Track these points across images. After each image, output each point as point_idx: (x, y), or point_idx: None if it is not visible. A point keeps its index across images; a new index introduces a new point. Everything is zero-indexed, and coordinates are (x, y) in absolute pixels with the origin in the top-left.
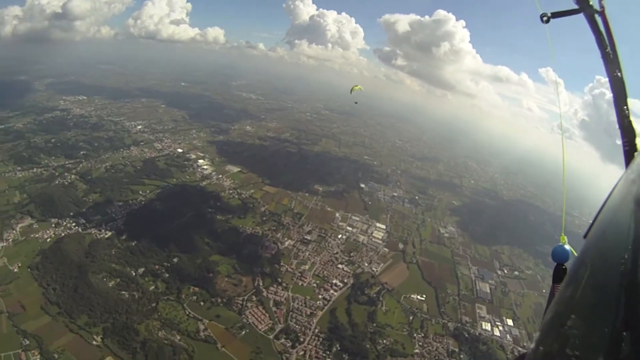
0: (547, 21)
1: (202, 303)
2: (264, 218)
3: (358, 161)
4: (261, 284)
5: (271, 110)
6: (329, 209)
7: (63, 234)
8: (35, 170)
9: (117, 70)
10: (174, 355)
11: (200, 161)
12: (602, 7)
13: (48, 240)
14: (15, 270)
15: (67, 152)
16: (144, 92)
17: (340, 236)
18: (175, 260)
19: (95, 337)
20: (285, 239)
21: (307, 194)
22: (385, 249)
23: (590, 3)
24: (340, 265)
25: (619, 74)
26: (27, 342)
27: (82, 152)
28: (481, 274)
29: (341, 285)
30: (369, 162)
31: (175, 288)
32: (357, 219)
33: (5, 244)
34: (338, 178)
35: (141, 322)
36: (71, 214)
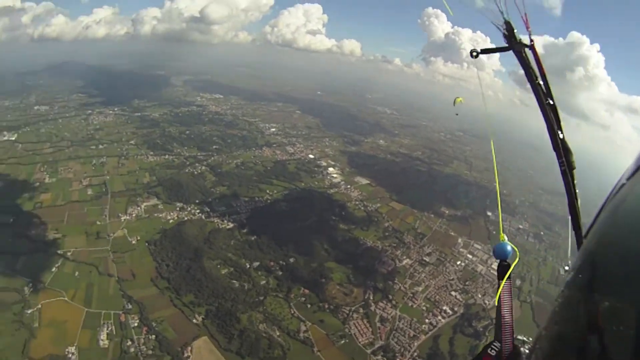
0: (476, 56)
1: (309, 305)
2: (386, 233)
3: (487, 187)
4: (371, 298)
5: (405, 127)
6: (452, 233)
7: (186, 218)
8: (167, 157)
9: (254, 73)
10: (268, 348)
11: (331, 169)
12: (532, 41)
13: (170, 221)
14: (134, 242)
15: (200, 144)
16: (280, 97)
17: (459, 262)
18: (291, 260)
19: (197, 316)
20: (404, 257)
21: (432, 215)
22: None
23: (519, 40)
24: (453, 293)
25: (551, 102)
26: (130, 306)
27: (214, 147)
28: None
29: (450, 312)
30: (500, 190)
31: (286, 287)
32: (479, 247)
33: (128, 217)
34: (465, 203)
35: (245, 311)
36: (197, 201)
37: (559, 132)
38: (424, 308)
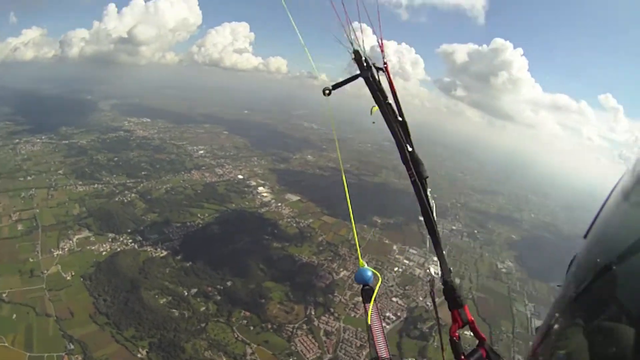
0: (329, 94)
1: (251, 327)
2: (321, 248)
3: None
4: (313, 313)
5: (332, 141)
6: (386, 241)
7: (119, 249)
8: (96, 186)
9: (181, 95)
10: None
11: (260, 188)
12: (385, 63)
13: (104, 253)
14: (68, 278)
15: (129, 171)
16: (207, 118)
17: (396, 269)
18: (228, 283)
19: (140, 350)
20: (341, 269)
21: (365, 226)
22: (441, 284)
23: (372, 65)
24: (394, 299)
25: (400, 119)
26: (72, 346)
27: (143, 173)
28: (537, 311)
29: (394, 318)
30: (428, 194)
31: (226, 311)
32: (415, 252)
33: (61, 252)
34: (397, 210)
35: (188, 340)
36: (129, 230)
37: (407, 146)
38: None
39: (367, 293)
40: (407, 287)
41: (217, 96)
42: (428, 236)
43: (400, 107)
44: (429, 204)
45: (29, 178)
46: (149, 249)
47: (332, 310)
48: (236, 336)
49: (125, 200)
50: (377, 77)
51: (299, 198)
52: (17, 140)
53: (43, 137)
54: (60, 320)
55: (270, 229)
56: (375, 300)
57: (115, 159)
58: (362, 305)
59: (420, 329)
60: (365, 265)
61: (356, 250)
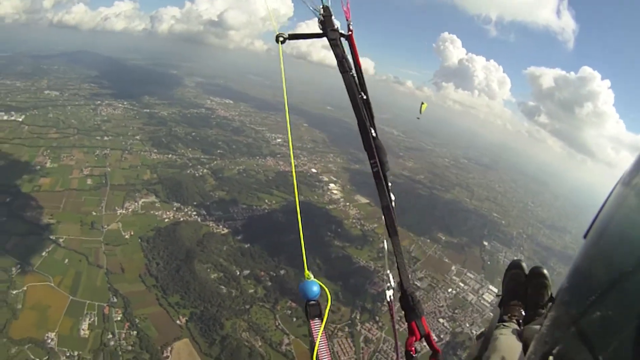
0: (283, 42)
1: (294, 319)
2: (380, 254)
3: (487, 217)
4: (358, 318)
5: (410, 149)
6: (446, 260)
7: (182, 219)
8: (170, 156)
9: (266, 82)
10: (248, 357)
11: (332, 185)
12: (350, 31)
13: (166, 220)
14: (127, 236)
15: (205, 147)
16: (289, 108)
17: (450, 290)
18: (282, 272)
19: (181, 317)
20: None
21: (428, 240)
22: (491, 314)
23: (335, 28)
24: (441, 320)
25: (364, 96)
26: (115, 300)
27: (219, 151)
28: None
29: (436, 339)
30: (497, 220)
31: (274, 298)
32: (472, 276)
33: (124, 212)
34: (463, 230)
35: (230, 318)
36: (194, 203)
37: (372, 130)
38: None
39: (313, 310)
40: (456, 311)
41: (302, 88)
42: (386, 239)
43: (364, 84)
44: (390, 199)
45: (105, 138)
46: (211, 224)
47: (377, 318)
48: (277, 324)
49: (197, 175)
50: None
51: (367, 201)
52: (98, 102)
53: (125, 103)
54: (109, 274)
55: (334, 226)
56: (323, 320)
57: (193, 133)
58: (307, 320)
59: (459, 357)
60: (312, 277)
61: (414, 262)
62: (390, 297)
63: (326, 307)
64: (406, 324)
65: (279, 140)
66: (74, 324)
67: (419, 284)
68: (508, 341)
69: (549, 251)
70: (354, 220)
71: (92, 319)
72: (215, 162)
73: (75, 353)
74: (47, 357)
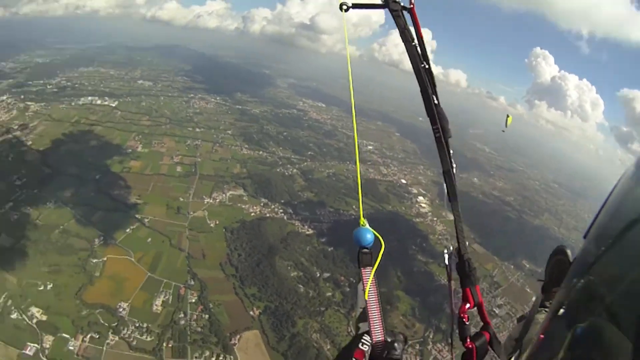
0: (347, 10)
1: None
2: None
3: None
4: (431, 337)
5: (500, 168)
6: (528, 289)
7: (268, 215)
8: (260, 153)
9: (358, 88)
10: (316, 358)
11: (420, 198)
12: (412, 4)
13: (252, 214)
14: (212, 225)
15: (296, 147)
16: (380, 115)
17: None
18: None
19: (255, 309)
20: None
21: (512, 266)
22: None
23: (397, 0)
24: None
25: (426, 65)
26: (193, 283)
27: (309, 152)
28: None
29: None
30: None
31: (350, 304)
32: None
33: (211, 201)
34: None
35: (303, 317)
36: (282, 201)
37: (434, 97)
38: None
39: (365, 258)
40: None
41: (394, 96)
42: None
43: (427, 55)
44: (451, 165)
45: (197, 130)
46: (296, 224)
47: (450, 340)
48: (349, 330)
49: (286, 174)
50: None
51: None
52: (191, 95)
53: (217, 98)
54: (190, 258)
55: (420, 240)
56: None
57: (285, 133)
58: (358, 268)
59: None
60: (367, 225)
61: (496, 288)
62: (448, 261)
63: (378, 256)
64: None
65: (370, 147)
66: (147, 299)
67: (497, 311)
68: None
69: None
70: (440, 237)
71: (166, 297)
72: (305, 163)
73: (145, 325)
74: (116, 323)
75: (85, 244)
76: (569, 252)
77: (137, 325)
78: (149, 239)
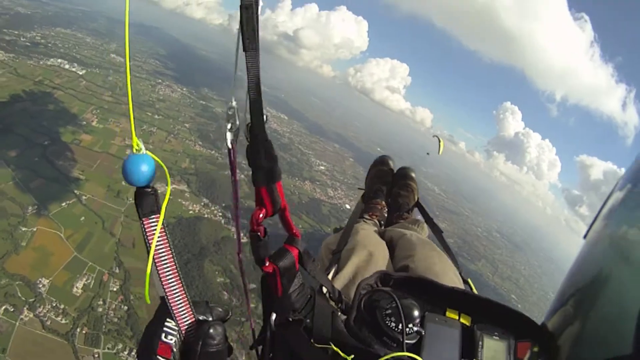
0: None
1: None
2: None
3: (504, 297)
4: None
5: (446, 210)
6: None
7: (206, 216)
8: (213, 152)
9: (324, 108)
10: None
11: None
12: None
13: (190, 212)
14: None
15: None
16: (339, 139)
17: None
18: None
19: None
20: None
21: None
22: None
23: None
24: None
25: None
26: (117, 271)
27: None
28: None
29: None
30: (514, 303)
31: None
32: None
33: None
34: None
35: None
36: (223, 204)
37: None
38: None
39: (147, 202)
40: None
41: (357, 123)
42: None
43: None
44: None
45: (155, 116)
46: (232, 230)
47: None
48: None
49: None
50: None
51: None
52: (159, 81)
53: (184, 89)
54: (120, 245)
55: None
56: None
57: (241, 138)
58: (139, 219)
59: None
60: (143, 150)
61: None
62: (231, 142)
63: (165, 196)
64: None
65: (322, 167)
66: (69, 279)
67: None
68: (372, 236)
69: None
70: None
71: (88, 281)
72: None
73: (62, 305)
74: (33, 299)
75: (18, 210)
76: (390, 162)
77: (54, 305)
78: (83, 218)
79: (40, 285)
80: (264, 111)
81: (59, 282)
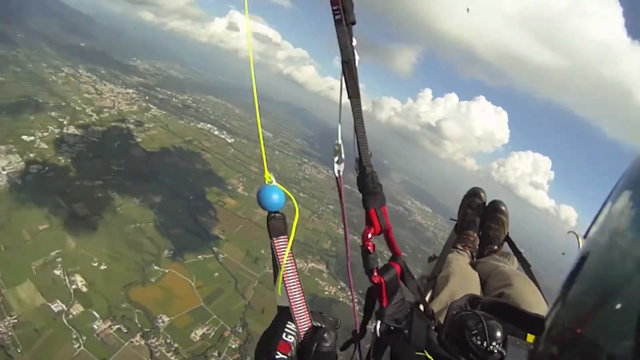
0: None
1: None
2: None
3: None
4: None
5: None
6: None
7: (341, 299)
8: (356, 238)
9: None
10: None
11: None
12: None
13: (326, 293)
14: None
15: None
16: None
17: None
18: None
19: None
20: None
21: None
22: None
23: None
24: None
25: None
26: (240, 330)
27: (403, 254)
28: None
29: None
30: None
31: None
32: None
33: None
34: None
35: None
36: (360, 291)
37: None
38: None
39: (276, 225)
40: None
41: None
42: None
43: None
44: (354, 55)
45: (300, 194)
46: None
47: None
48: None
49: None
50: None
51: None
52: (305, 160)
53: (329, 171)
54: (249, 307)
55: None
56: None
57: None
58: (270, 238)
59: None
60: (273, 182)
61: None
62: (339, 171)
63: (294, 222)
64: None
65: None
66: (190, 324)
67: None
68: (464, 267)
69: None
70: None
71: (209, 331)
72: None
73: (175, 344)
74: (149, 329)
75: (154, 249)
76: (482, 194)
77: (168, 341)
78: (217, 274)
79: (160, 321)
80: (368, 147)
81: (179, 324)
